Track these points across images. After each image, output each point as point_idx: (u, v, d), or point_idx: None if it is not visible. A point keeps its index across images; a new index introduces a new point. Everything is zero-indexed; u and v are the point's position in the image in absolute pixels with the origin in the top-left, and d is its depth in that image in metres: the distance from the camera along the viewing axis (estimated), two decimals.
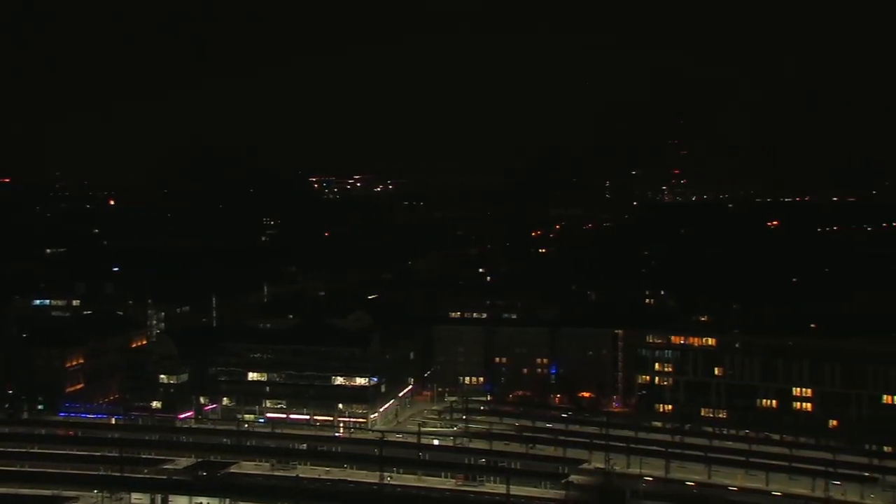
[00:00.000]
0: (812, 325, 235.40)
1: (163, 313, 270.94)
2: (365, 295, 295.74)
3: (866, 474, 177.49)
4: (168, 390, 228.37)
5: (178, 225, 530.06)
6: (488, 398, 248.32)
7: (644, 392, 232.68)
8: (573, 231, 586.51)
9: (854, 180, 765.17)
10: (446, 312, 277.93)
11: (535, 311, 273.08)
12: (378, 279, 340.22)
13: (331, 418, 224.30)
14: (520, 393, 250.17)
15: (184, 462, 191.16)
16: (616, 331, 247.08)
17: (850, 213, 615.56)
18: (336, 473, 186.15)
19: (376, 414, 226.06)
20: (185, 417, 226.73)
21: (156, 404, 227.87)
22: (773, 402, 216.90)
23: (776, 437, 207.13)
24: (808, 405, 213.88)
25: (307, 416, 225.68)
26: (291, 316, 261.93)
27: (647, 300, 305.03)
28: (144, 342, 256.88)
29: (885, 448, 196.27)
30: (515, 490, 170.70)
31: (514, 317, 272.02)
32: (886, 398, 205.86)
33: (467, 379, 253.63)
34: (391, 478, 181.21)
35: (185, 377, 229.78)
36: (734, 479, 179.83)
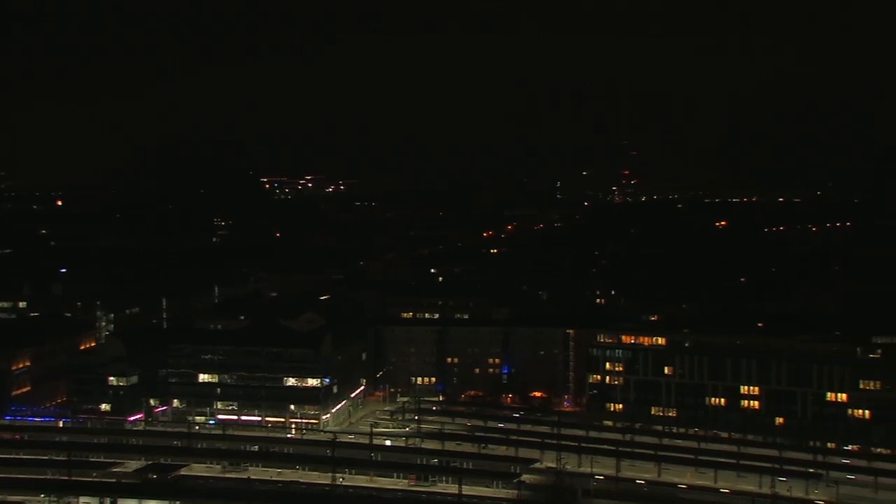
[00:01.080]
0: (759, 325, 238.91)
1: (112, 315, 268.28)
2: (317, 296, 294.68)
3: (811, 470, 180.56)
4: (117, 392, 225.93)
5: (128, 225, 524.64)
6: (440, 398, 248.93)
7: (595, 391, 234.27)
8: (525, 231, 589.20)
9: (799, 181, 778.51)
10: (398, 313, 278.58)
11: (487, 312, 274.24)
12: (330, 280, 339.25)
13: (283, 419, 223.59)
14: (472, 393, 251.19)
15: (133, 465, 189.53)
16: (567, 330, 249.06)
17: (795, 213, 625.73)
18: (288, 475, 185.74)
19: (328, 415, 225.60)
20: (135, 420, 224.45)
21: (105, 407, 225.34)
22: (722, 400, 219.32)
23: (724, 434, 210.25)
24: (756, 403, 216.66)
25: (259, 418, 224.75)
26: (243, 317, 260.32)
27: (598, 300, 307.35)
28: (93, 344, 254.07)
29: (829, 444, 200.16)
30: (468, 490, 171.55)
31: (466, 317, 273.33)
32: (830, 396, 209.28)
33: (419, 379, 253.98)
34: (343, 479, 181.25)
35: (134, 379, 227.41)
36: (684, 477, 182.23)
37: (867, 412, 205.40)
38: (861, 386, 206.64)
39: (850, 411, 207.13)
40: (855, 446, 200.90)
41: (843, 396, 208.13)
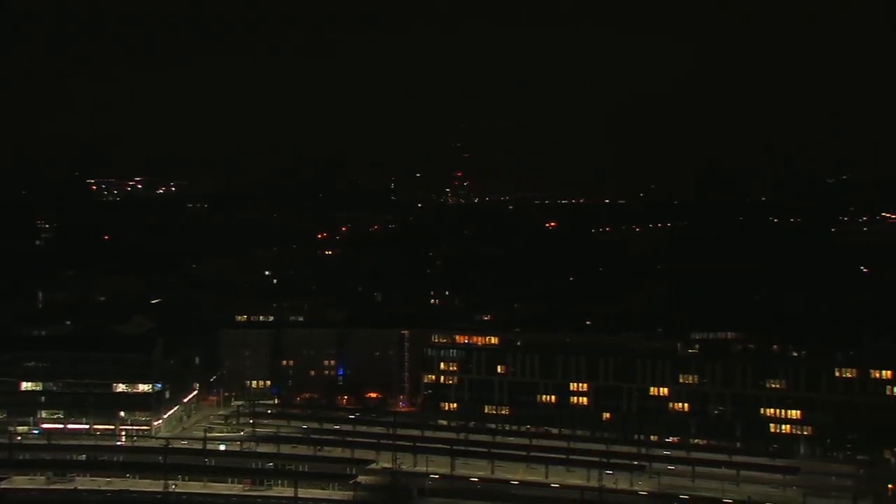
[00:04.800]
0: (587, 323, 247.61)
1: None
2: (147, 299, 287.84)
3: (635, 463, 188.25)
4: None
5: None
6: (275, 401, 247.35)
7: (430, 391, 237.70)
8: (359, 233, 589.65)
9: (622, 183, 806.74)
10: (232, 316, 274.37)
11: (322, 313, 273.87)
12: (161, 283, 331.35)
13: (112, 427, 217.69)
14: (307, 395, 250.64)
15: None
16: (402, 331, 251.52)
17: (620, 214, 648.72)
18: (118, 484, 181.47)
19: (160, 421, 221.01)
20: None
21: None
22: (552, 397, 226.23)
23: (555, 431, 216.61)
24: (584, 399, 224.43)
25: (87, 426, 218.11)
26: (69, 322, 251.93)
27: (433, 300, 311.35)
28: None
29: (652, 437, 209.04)
30: (303, 493, 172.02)
31: (301, 319, 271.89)
32: (653, 390, 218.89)
33: (254, 382, 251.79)
34: (176, 486, 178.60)
35: None
36: (516, 474, 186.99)
37: (686, 405, 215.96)
38: (680, 380, 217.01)
39: (670, 405, 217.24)
40: (675, 438, 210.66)
41: (664, 390, 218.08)
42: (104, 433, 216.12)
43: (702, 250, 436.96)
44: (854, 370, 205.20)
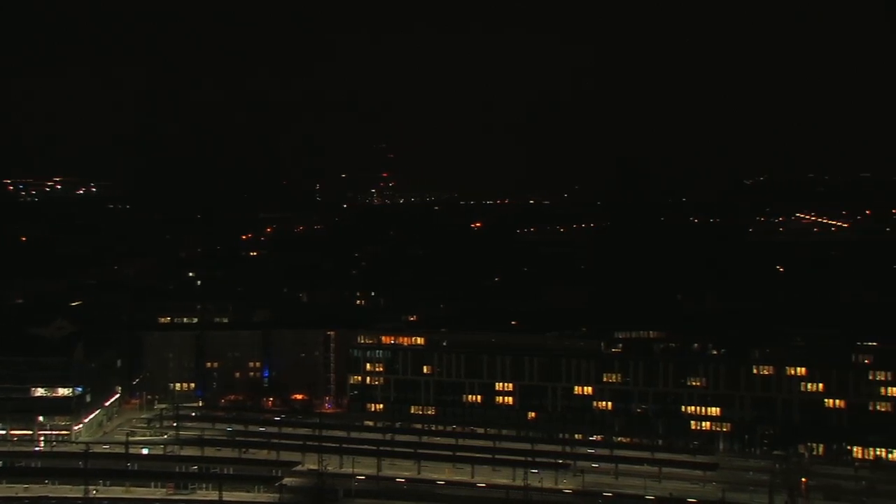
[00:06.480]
0: (513, 322, 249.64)
1: None
2: (68, 302, 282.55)
3: (560, 461, 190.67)
4: None
5: None
6: (199, 404, 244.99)
7: (356, 392, 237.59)
8: (284, 234, 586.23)
9: (547, 184, 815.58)
10: (155, 318, 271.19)
11: (247, 315, 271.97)
12: (82, 285, 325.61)
13: (30, 432, 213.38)
14: (232, 397, 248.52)
15: None
16: (328, 332, 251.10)
17: (544, 214, 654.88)
18: (36, 490, 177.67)
19: (80, 425, 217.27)
20: None
21: None
22: (478, 397, 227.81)
23: (481, 430, 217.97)
24: (510, 399, 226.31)
25: (3, 431, 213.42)
26: None
27: (359, 301, 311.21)
28: None
29: (577, 436, 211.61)
30: (228, 496, 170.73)
31: (225, 320, 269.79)
32: (577, 389, 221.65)
33: (178, 385, 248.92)
34: (97, 491, 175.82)
35: None
36: (442, 473, 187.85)
37: (609, 403, 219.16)
38: (604, 379, 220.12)
39: (594, 403, 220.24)
40: (599, 436, 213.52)
41: (588, 389, 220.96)
42: (22, 438, 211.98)
43: (624, 250, 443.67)
44: (771, 367, 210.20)
